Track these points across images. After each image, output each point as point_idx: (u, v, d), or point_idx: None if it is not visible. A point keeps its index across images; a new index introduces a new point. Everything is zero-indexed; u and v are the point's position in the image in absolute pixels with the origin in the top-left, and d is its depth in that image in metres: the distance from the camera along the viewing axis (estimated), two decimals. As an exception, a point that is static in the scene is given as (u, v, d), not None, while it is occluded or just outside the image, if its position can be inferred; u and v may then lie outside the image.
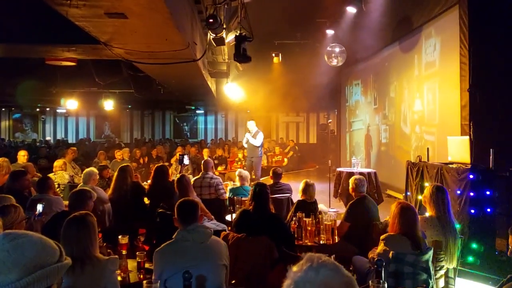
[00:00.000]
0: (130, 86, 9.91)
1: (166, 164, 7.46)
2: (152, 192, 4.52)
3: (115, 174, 4.52)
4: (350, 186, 3.97)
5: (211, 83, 9.99)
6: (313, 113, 17.53)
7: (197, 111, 17.66)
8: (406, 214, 2.48)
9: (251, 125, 7.86)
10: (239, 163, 9.87)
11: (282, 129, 17.79)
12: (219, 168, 9.31)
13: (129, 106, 16.50)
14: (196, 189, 4.80)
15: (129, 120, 18.00)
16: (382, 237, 2.49)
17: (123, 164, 4.67)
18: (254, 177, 7.19)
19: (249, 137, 7.77)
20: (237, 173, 5.11)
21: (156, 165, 4.80)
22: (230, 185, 5.56)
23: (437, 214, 2.83)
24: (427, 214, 2.91)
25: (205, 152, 9.40)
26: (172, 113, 18.05)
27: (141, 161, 9.62)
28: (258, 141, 7.66)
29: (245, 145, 7.88)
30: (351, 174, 5.62)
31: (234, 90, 9.82)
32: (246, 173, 5.11)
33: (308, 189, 4.03)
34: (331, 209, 6.30)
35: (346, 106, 11.76)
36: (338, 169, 6.41)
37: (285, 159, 12.03)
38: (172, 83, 9.07)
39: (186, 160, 5.63)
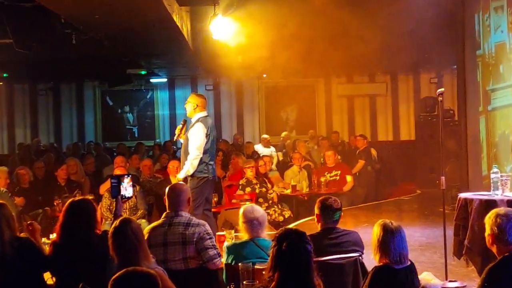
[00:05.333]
0: (4, 32, 10.06)
1: (90, 197, 7.57)
2: (60, 257, 4.64)
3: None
4: (488, 232, 4.02)
5: (179, 18, 10.08)
6: (405, 75, 17.56)
7: (153, 80, 17.87)
8: None
9: (188, 106, 8.09)
10: (249, 189, 10.05)
11: (339, 111, 17.89)
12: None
13: (4, 75, 16.72)
14: (157, 249, 4.93)
15: (5, 104, 18.30)
16: None
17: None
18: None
19: (182, 139, 8.13)
20: (241, 212, 5.18)
21: (70, 200, 4.92)
22: (228, 237, 5.61)
23: None
24: None
25: (173, 168, 9.53)
26: (99, 87, 18.32)
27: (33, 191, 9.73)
28: (191, 143, 7.85)
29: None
30: (489, 205, 5.62)
31: (230, 31, 9.88)
32: (260, 212, 5.17)
33: (389, 242, 4.08)
34: (450, 283, 6.30)
35: (477, 57, 11.69)
36: (462, 195, 6.43)
37: (349, 177, 12.09)
38: (96, 22, 9.19)
39: (127, 189, 5.72)
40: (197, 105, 7.99)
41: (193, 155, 7.76)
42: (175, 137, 8.39)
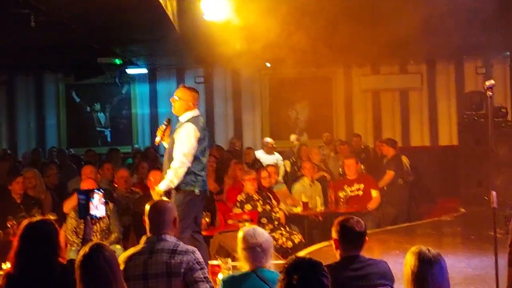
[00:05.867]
0: None
1: (52, 217, 7.56)
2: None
3: None
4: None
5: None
6: (445, 64, 17.58)
7: (130, 71, 17.91)
8: None
9: (178, 103, 8.08)
10: (249, 206, 10.09)
11: (362, 110, 17.92)
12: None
13: None
14: (135, 283, 4.97)
15: None
16: None
17: None
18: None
19: (166, 142, 8.16)
20: (240, 236, 5.19)
21: (27, 221, 4.91)
22: (223, 268, 5.59)
23: None
24: None
25: (155, 181, 9.53)
26: (63, 80, 18.33)
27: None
28: (177, 148, 7.86)
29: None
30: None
31: (226, 10, 9.89)
32: (264, 236, 5.17)
33: (426, 274, 4.06)
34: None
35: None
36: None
37: (374, 192, 12.07)
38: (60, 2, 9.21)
39: (98, 208, 5.71)
40: (190, 102, 8.01)
41: (179, 162, 7.73)
42: (157, 140, 8.35)
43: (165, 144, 8.20)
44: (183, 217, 7.66)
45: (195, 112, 8.01)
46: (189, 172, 7.77)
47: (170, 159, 7.85)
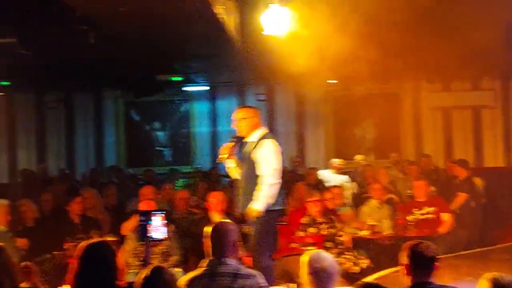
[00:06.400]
0: (4, 29, 10.23)
1: (111, 238, 7.66)
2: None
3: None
4: None
5: (225, 8, 10.15)
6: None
7: (190, 89, 18.08)
8: None
9: (244, 123, 8.08)
10: (313, 229, 10.08)
11: (432, 129, 17.74)
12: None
13: (4, 84, 16.77)
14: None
15: (5, 120, 18.36)
16: None
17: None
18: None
19: (232, 161, 8.22)
20: (305, 260, 5.15)
21: (86, 243, 4.95)
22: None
23: None
24: None
25: (216, 201, 9.59)
26: (122, 98, 18.59)
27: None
28: (266, 165, 7.87)
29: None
30: None
31: (288, 25, 9.90)
32: (329, 260, 5.15)
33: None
34: None
35: None
36: None
37: (445, 215, 11.90)
38: (120, 16, 9.34)
39: (159, 229, 5.77)
40: (256, 119, 8.09)
41: (273, 178, 7.86)
42: (222, 157, 8.30)
43: (230, 162, 8.22)
44: (268, 239, 7.89)
45: (265, 129, 8.10)
46: (279, 191, 7.94)
47: (250, 180, 7.94)
